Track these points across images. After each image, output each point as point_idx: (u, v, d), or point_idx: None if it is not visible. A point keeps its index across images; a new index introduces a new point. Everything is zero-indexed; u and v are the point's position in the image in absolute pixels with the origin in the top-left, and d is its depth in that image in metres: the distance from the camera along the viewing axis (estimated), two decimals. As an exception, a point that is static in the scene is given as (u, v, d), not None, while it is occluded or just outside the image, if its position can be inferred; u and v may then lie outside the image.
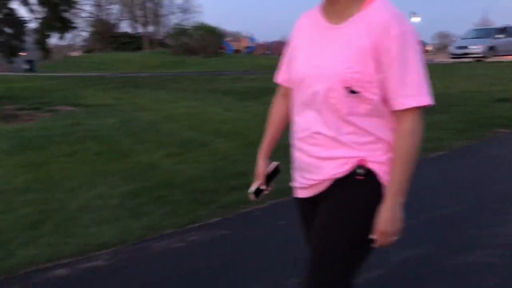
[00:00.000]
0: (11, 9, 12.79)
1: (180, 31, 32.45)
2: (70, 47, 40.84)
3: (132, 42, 40.77)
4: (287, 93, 1.56)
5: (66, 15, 13.01)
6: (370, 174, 1.35)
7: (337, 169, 1.36)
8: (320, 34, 1.40)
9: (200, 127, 7.67)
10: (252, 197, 1.60)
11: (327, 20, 1.39)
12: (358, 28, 1.32)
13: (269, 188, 1.63)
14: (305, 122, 1.41)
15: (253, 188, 1.59)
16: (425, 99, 1.32)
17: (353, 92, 1.31)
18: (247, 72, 19.77)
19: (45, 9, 12.43)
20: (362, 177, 1.35)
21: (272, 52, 54.72)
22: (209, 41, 30.32)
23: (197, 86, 14.51)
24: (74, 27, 16.07)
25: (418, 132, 1.34)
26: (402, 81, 1.30)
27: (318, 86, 1.35)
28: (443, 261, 2.78)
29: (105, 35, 40.80)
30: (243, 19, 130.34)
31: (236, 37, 55.45)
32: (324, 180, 1.39)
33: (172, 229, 3.31)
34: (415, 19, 60.61)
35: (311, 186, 1.44)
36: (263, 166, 1.62)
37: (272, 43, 59.24)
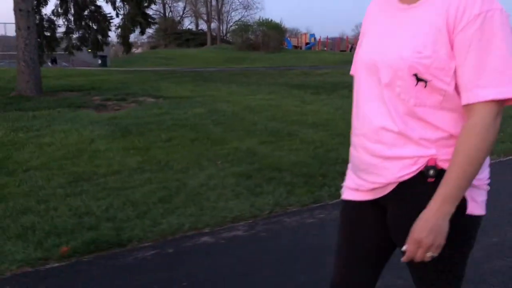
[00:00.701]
0: (98, 6, 13.56)
1: (243, 27, 32.88)
2: (135, 43, 42.62)
3: (195, 39, 41.91)
4: None
5: (148, 10, 13.61)
6: (442, 176, 1.14)
7: (404, 170, 1.18)
8: (390, 17, 1.24)
9: (283, 118, 7.78)
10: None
11: (400, 0, 1.22)
12: (433, 6, 1.13)
13: None
14: (368, 116, 1.23)
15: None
16: (508, 90, 1.07)
17: (422, 80, 1.13)
18: (314, 67, 19.72)
19: (129, 5, 13.05)
20: (433, 179, 1.15)
21: (332, 48, 54.09)
22: (272, 37, 30.54)
23: (267, 80, 14.71)
24: (156, 23, 16.73)
25: (491, 131, 1.09)
26: (480, 68, 1.07)
27: (383, 73, 1.18)
28: None
29: (169, 32, 42.18)
30: (301, 15, 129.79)
31: (294, 33, 55.39)
32: (388, 184, 1.22)
33: (297, 207, 3.43)
34: None
35: (372, 190, 1.27)
36: None
37: (333, 39, 58.53)
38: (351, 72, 1.44)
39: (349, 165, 1.39)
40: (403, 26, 1.18)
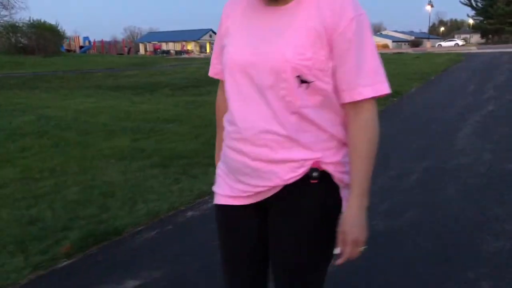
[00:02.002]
0: None
1: (9, 29, 29.08)
2: None
3: None
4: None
5: None
6: (324, 177, 1.19)
7: (291, 173, 1.18)
8: (259, 17, 1.21)
9: (129, 118, 7.79)
10: None
11: (265, 1, 1.20)
12: (307, 9, 1.15)
13: None
14: (249, 120, 1.19)
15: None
16: (384, 87, 1.16)
17: (305, 82, 1.14)
18: (113, 70, 19.23)
19: None
20: (316, 181, 1.19)
21: (108, 51, 52.61)
22: (49, 39, 28.01)
23: (73, 84, 13.82)
24: None
25: (377, 124, 1.18)
26: (359, 69, 1.14)
27: (263, 76, 1.15)
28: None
29: None
30: (65, 17, 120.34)
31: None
32: (275, 187, 1.21)
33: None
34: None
35: (256, 193, 1.24)
36: None
37: (108, 42, 56.78)
38: (211, 74, 1.40)
39: (220, 170, 1.33)
40: (279, 27, 1.16)
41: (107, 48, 54.75)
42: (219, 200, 1.32)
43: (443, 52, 30.76)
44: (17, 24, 29.31)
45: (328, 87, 1.16)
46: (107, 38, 57.64)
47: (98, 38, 51.48)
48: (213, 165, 1.44)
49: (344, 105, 1.19)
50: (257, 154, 1.19)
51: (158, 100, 10.16)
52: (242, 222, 1.30)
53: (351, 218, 1.16)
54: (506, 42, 45.76)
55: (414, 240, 2.83)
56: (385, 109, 7.97)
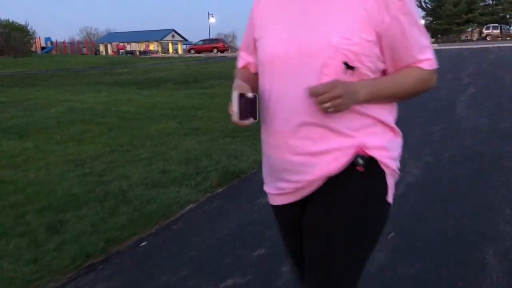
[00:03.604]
0: None
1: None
2: None
3: None
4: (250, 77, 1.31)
5: None
6: (371, 163, 1.14)
7: (333, 163, 1.13)
8: (296, 6, 1.16)
9: (155, 108, 8.43)
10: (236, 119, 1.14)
11: None
12: None
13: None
14: (286, 112, 1.15)
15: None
16: (435, 62, 1.18)
17: (350, 67, 1.09)
18: (102, 68, 19.43)
19: None
20: (363, 168, 1.13)
21: (73, 51, 51.58)
22: (19, 40, 27.59)
23: (74, 81, 14.22)
24: None
25: (425, 87, 1.19)
26: (418, 44, 1.14)
27: (306, 63, 1.11)
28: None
29: None
30: (22, 17, 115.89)
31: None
32: (315, 180, 1.16)
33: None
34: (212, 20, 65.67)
35: (298, 189, 1.20)
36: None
37: (70, 43, 55.62)
38: (241, 65, 1.38)
39: (265, 169, 1.31)
40: (319, 14, 1.12)
41: (69, 48, 53.69)
42: (270, 199, 1.32)
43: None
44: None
45: (371, 74, 1.13)
46: (62, 39, 56.43)
47: (53, 39, 50.20)
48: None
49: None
50: (295, 148, 1.16)
51: (169, 93, 10.79)
52: (290, 220, 1.29)
53: (345, 82, 1.09)
54: (454, 41, 48.53)
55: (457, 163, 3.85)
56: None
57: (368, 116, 1.15)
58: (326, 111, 1.08)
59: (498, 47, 23.92)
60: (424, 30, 1.15)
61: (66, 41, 56.89)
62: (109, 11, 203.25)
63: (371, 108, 1.14)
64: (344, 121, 1.12)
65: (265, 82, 1.21)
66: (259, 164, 4.09)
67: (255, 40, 1.27)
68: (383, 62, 1.15)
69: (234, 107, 1.10)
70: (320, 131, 1.13)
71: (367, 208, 1.15)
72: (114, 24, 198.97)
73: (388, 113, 1.18)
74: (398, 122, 1.22)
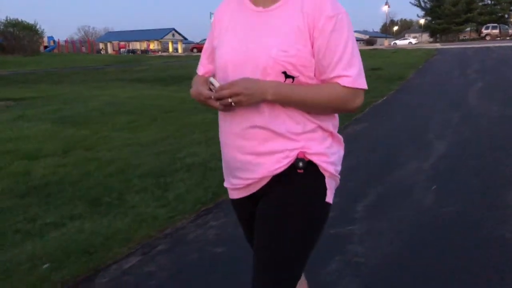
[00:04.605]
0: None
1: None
2: None
3: None
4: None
5: None
6: (310, 167, 1.24)
7: (277, 164, 1.25)
8: (248, 18, 1.30)
9: (185, 102, 8.87)
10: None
11: (254, 4, 1.29)
12: (291, 10, 1.24)
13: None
14: (237, 115, 1.25)
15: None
16: (363, 82, 1.23)
17: (289, 77, 1.21)
18: (119, 66, 19.86)
19: None
20: (302, 171, 1.24)
21: (76, 50, 52.02)
22: (28, 39, 28.09)
23: (96, 78, 14.73)
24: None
25: (340, 104, 1.24)
26: (340, 61, 1.21)
27: (250, 72, 1.22)
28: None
29: None
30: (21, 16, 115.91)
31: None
32: (263, 178, 1.27)
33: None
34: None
35: (248, 185, 1.31)
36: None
37: (72, 42, 55.97)
38: (200, 73, 1.45)
39: (223, 166, 1.41)
40: (266, 27, 1.25)
41: (70, 47, 54.08)
42: (229, 194, 1.42)
43: (415, 48, 33.34)
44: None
45: (311, 81, 1.23)
46: (60, 38, 56.80)
47: (55, 38, 50.61)
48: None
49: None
50: (244, 148, 1.27)
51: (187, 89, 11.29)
52: (244, 213, 1.42)
53: (254, 81, 1.19)
54: (452, 41, 49.07)
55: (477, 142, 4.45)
56: (402, 88, 9.89)
57: (309, 121, 1.25)
58: (228, 106, 1.20)
59: (499, 46, 24.65)
60: (355, 49, 1.23)
61: (67, 40, 57.22)
62: (107, 10, 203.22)
63: (313, 114, 1.25)
64: (287, 126, 1.23)
65: None
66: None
67: (213, 49, 1.38)
68: None
69: (215, 84, 1.23)
70: (266, 133, 1.24)
71: (306, 206, 1.26)
72: (112, 23, 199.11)
73: (328, 120, 1.29)
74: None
